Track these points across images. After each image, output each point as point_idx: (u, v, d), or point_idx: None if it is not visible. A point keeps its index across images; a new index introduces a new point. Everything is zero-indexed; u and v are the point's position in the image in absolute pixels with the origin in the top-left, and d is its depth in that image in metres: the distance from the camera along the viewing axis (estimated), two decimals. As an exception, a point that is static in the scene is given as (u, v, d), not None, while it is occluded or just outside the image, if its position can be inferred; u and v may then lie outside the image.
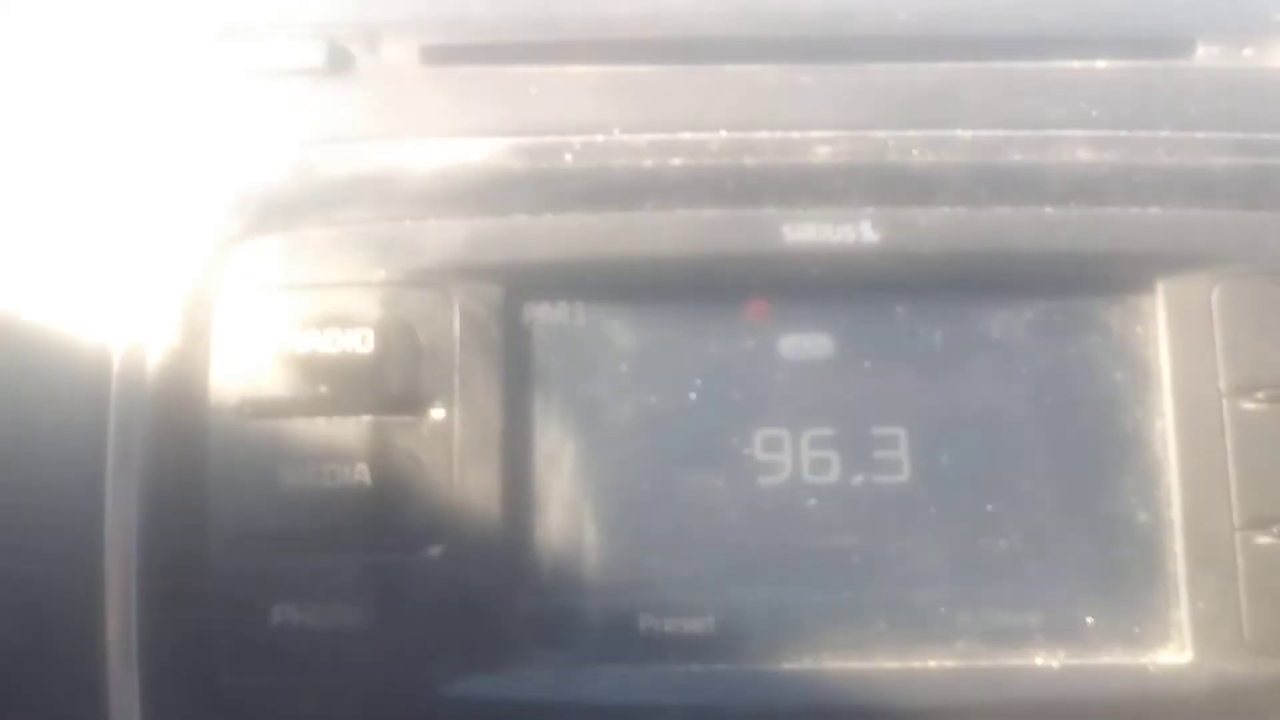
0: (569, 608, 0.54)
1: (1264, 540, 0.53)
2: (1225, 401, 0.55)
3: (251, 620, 0.52)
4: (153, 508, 0.53)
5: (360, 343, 0.54)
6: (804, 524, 0.55)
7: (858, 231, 0.56)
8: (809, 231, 0.56)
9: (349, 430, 0.53)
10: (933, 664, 0.54)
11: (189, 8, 0.60)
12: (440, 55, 0.59)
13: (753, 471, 0.55)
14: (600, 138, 0.57)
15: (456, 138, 0.57)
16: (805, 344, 0.56)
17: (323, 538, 0.53)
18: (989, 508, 0.55)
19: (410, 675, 0.52)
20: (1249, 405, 0.54)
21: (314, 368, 0.54)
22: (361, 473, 0.53)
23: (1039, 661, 0.54)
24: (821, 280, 0.56)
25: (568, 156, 0.57)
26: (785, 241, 0.56)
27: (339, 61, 0.59)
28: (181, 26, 0.60)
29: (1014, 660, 0.54)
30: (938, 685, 0.53)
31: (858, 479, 0.55)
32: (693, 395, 0.56)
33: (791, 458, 0.55)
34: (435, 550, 0.53)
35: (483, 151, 0.57)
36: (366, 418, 0.54)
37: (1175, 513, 0.54)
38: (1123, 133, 0.58)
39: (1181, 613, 0.54)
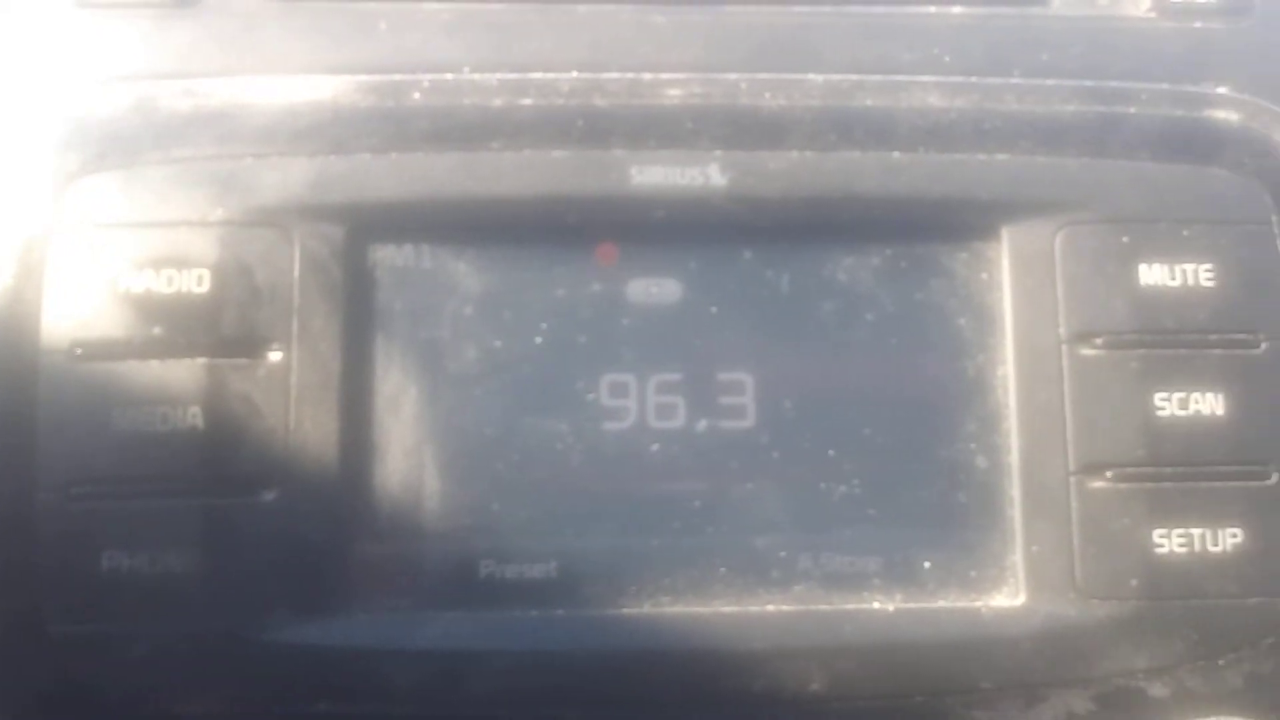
0: (408, 554, 0.54)
1: (1097, 485, 0.54)
2: (1065, 348, 0.55)
3: (81, 567, 0.51)
4: (-21, 452, 0.52)
5: (196, 283, 0.53)
6: (648, 469, 0.55)
7: (706, 175, 0.56)
8: (657, 174, 0.55)
9: (183, 372, 0.52)
10: (770, 608, 0.54)
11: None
12: None
13: (598, 416, 0.55)
14: (449, 76, 0.56)
15: (302, 74, 0.56)
16: (653, 288, 0.56)
17: (154, 482, 0.52)
18: (831, 453, 0.55)
19: (243, 621, 0.52)
20: (1087, 352, 0.55)
21: (149, 308, 0.53)
22: (195, 416, 0.52)
23: (875, 605, 0.55)
24: (669, 224, 0.56)
25: (415, 95, 0.56)
26: (633, 184, 0.55)
27: None
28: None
29: (851, 604, 0.55)
30: (775, 629, 0.54)
31: (702, 424, 0.55)
32: (538, 339, 0.55)
33: (637, 403, 0.55)
34: (270, 495, 0.52)
35: (328, 88, 0.56)
36: (201, 360, 0.53)
37: (1013, 458, 0.55)
38: (974, 79, 0.58)
39: (1016, 557, 0.55)
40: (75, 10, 0.57)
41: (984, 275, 0.56)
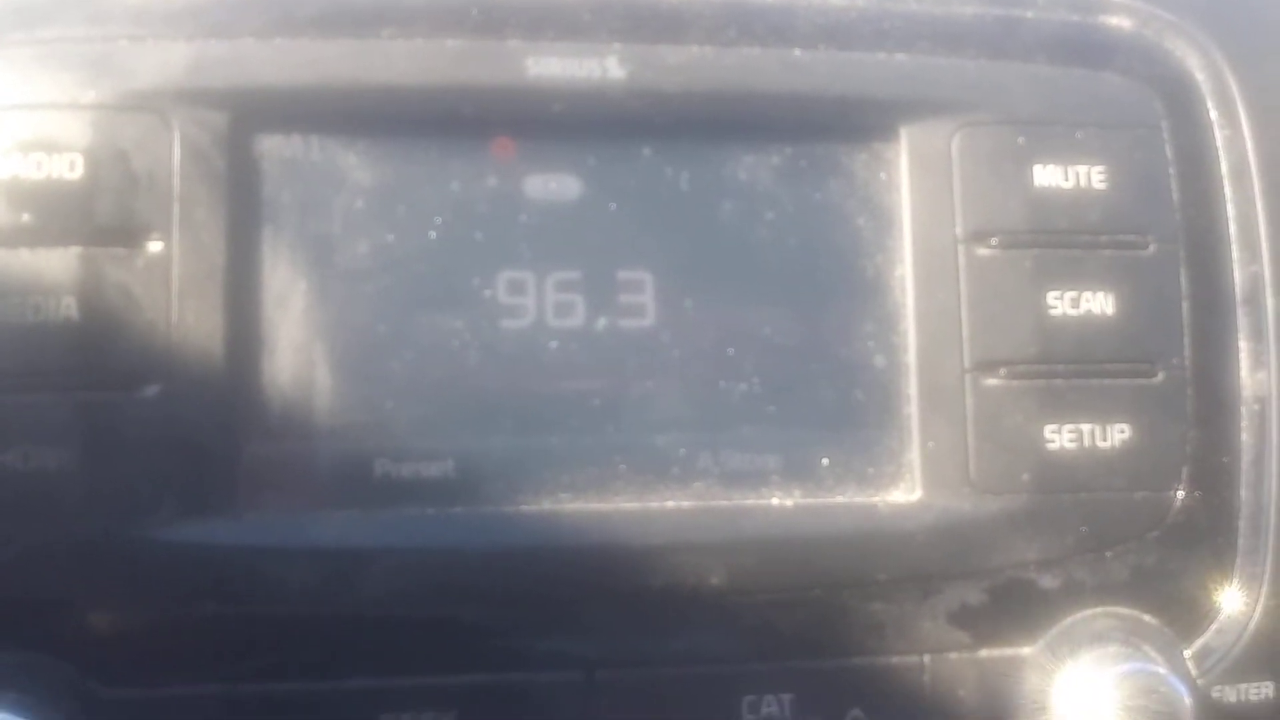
0: (298, 452, 0.53)
1: (991, 382, 0.56)
2: (961, 248, 0.57)
3: None
4: None
5: (68, 168, 0.51)
6: (547, 367, 0.55)
7: (604, 67, 0.55)
8: (554, 65, 0.55)
9: (55, 261, 0.51)
10: (670, 504, 0.55)
11: None
12: None
13: (495, 314, 0.55)
14: None
15: None
16: (550, 184, 0.56)
17: (27, 376, 0.51)
18: (731, 351, 0.56)
19: (126, 520, 0.51)
20: (983, 251, 0.57)
21: (17, 194, 0.51)
22: (69, 307, 0.51)
23: (774, 501, 0.56)
24: (567, 117, 0.55)
25: None
26: (528, 75, 0.55)
27: None
28: None
29: (750, 500, 0.55)
30: (675, 525, 0.54)
31: (602, 322, 0.55)
32: (433, 234, 0.55)
33: (535, 300, 0.55)
34: (151, 390, 0.51)
35: None
36: (75, 248, 0.51)
37: (910, 357, 0.57)
38: None
39: (913, 453, 0.56)
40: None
41: (882, 175, 0.57)
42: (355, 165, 0.54)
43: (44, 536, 0.50)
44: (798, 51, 0.57)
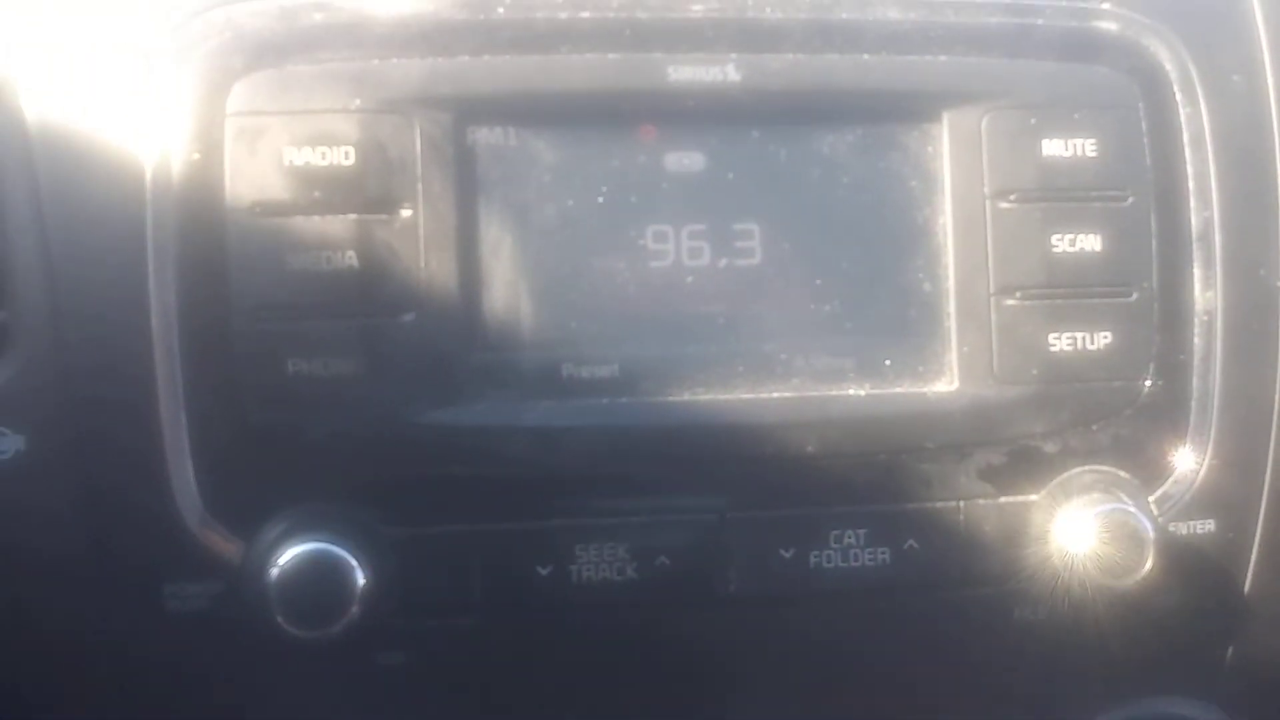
0: (510, 360, 0.70)
1: (1009, 302, 0.72)
2: (988, 203, 0.72)
3: (272, 372, 0.67)
4: (188, 287, 0.67)
5: (344, 157, 0.68)
6: (684, 295, 0.71)
7: (724, 72, 0.71)
8: (687, 72, 0.71)
9: (338, 226, 0.68)
10: (776, 395, 0.71)
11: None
12: None
13: (645, 257, 0.71)
14: None
15: None
16: (684, 159, 0.72)
17: (322, 308, 0.68)
18: (818, 282, 0.72)
19: (393, 410, 0.68)
20: (1004, 205, 0.72)
21: (308, 177, 0.68)
22: (350, 258, 0.68)
23: (851, 391, 0.72)
24: (696, 110, 0.71)
25: (500, 10, 0.70)
26: (669, 79, 0.71)
27: None
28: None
29: (834, 391, 0.72)
30: (780, 409, 0.71)
31: (723, 262, 0.72)
32: (600, 199, 0.71)
33: (674, 246, 0.71)
34: (408, 316, 0.68)
35: (433, 4, 0.70)
36: (352, 216, 0.68)
37: (949, 284, 0.72)
38: None
39: (952, 355, 0.72)
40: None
41: (929, 149, 0.73)
42: (544, 149, 0.70)
43: (339, 421, 0.68)
44: (866, 56, 0.72)
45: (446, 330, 0.69)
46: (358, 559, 0.67)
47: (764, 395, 0.72)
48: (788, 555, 0.72)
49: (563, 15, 0.71)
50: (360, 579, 0.66)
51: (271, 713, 0.73)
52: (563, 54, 0.71)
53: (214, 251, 0.68)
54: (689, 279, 0.72)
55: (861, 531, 0.73)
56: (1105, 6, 0.76)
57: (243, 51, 0.69)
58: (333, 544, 0.67)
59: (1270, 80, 0.77)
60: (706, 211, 0.72)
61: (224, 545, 0.69)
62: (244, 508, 0.69)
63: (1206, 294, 0.75)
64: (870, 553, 0.73)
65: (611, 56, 0.71)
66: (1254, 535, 0.77)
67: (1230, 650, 0.80)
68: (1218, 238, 0.75)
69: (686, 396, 0.71)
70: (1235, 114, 0.76)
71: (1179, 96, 0.76)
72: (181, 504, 0.68)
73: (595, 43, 0.71)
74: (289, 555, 0.66)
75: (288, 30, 0.69)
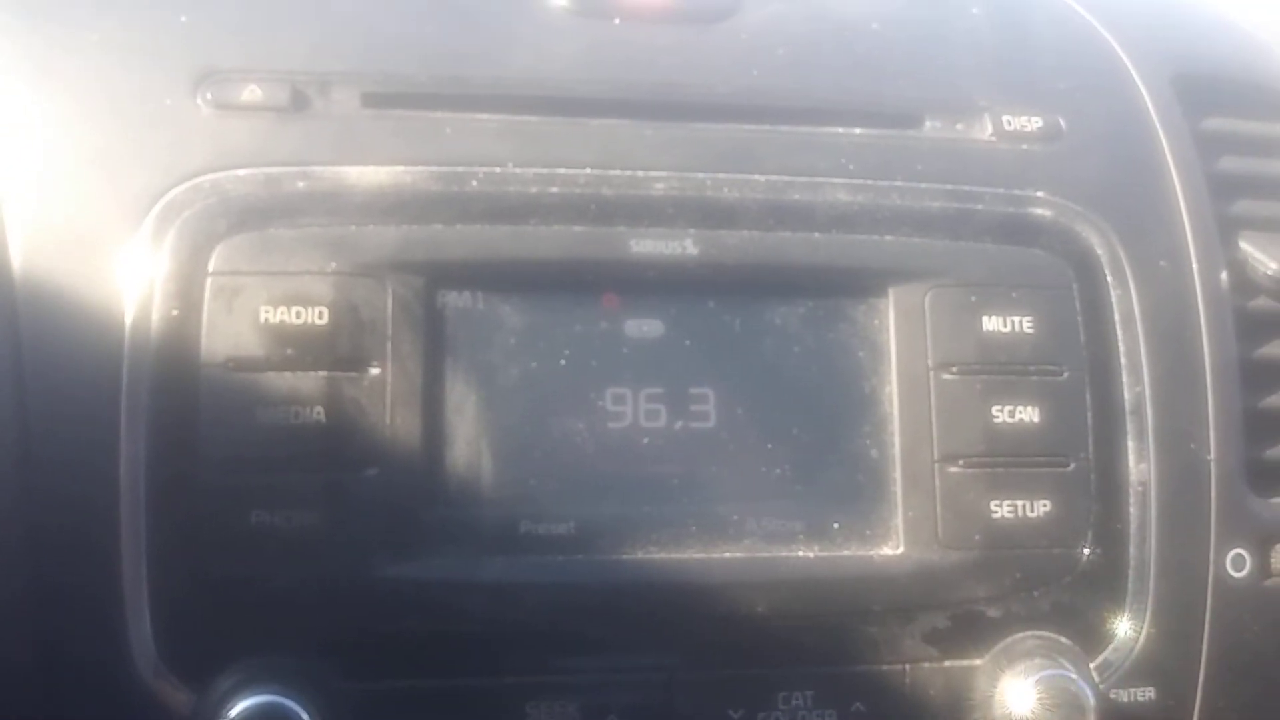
0: (469, 516, 0.72)
1: (953, 470, 0.75)
2: (931, 374, 0.76)
3: (235, 523, 0.68)
4: (158, 437, 0.69)
5: (318, 317, 0.70)
6: (640, 457, 0.74)
7: (683, 246, 0.75)
8: (648, 245, 0.75)
9: (309, 382, 0.70)
10: (728, 555, 0.73)
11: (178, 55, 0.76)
12: (377, 101, 0.76)
13: (604, 418, 0.73)
14: (498, 169, 0.75)
15: (389, 165, 0.74)
16: (644, 327, 0.75)
17: (289, 461, 0.69)
18: (769, 446, 0.75)
19: (354, 564, 0.69)
20: (947, 376, 0.76)
21: (282, 334, 0.70)
22: (319, 413, 0.70)
23: (800, 554, 0.74)
24: (656, 281, 0.75)
25: (474, 183, 0.74)
26: (631, 252, 0.75)
27: (300, 102, 0.75)
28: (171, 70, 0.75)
29: (784, 553, 0.74)
30: (731, 570, 0.73)
31: (679, 424, 0.74)
32: (562, 362, 0.74)
33: (632, 409, 0.74)
34: (373, 471, 0.70)
35: (410, 176, 0.74)
36: (323, 373, 0.70)
37: (895, 451, 0.75)
38: (869, 181, 0.78)
39: (898, 520, 0.75)
40: (215, 111, 0.75)
41: (876, 321, 0.77)
42: (510, 313, 0.73)
43: (301, 575, 0.69)
44: (817, 235, 0.76)
45: (408, 485, 0.71)
46: (309, 712, 0.67)
47: (715, 555, 0.74)
48: (736, 716, 0.73)
49: (533, 189, 0.75)
50: (311, 732, 0.66)
51: None
52: (531, 225, 0.74)
53: (186, 404, 0.70)
54: (645, 440, 0.74)
55: (809, 693, 0.74)
56: (1040, 195, 0.81)
57: (227, 216, 0.72)
58: (284, 696, 0.67)
59: (1194, 264, 0.82)
60: (664, 376, 0.75)
61: (176, 696, 0.69)
62: (199, 659, 0.69)
63: (1140, 465, 0.78)
64: (818, 714, 0.74)
65: (577, 229, 0.75)
66: (1194, 703, 0.79)
67: (1175, 821, 0.81)
68: (1149, 411, 0.79)
69: (640, 555, 0.73)
70: (1162, 295, 0.81)
71: (1110, 278, 0.80)
72: (135, 653, 0.69)
73: (562, 216, 0.75)
74: (239, 708, 0.66)
75: (271, 196, 0.73)
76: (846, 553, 0.75)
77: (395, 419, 0.71)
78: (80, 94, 0.74)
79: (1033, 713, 0.73)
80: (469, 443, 0.73)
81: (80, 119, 0.74)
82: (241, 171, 0.73)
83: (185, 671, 0.69)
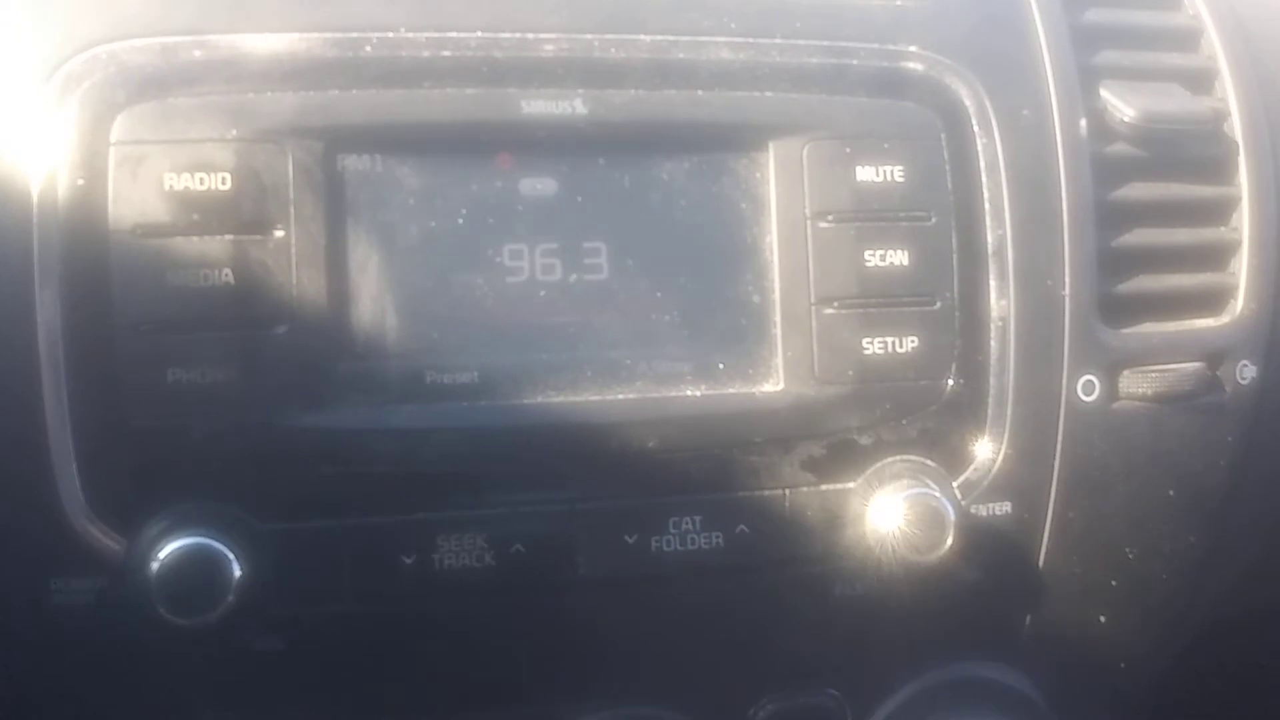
0: (376, 368, 0.76)
1: (828, 312, 0.80)
2: (809, 223, 0.80)
3: (153, 380, 0.72)
4: (73, 303, 0.72)
5: (221, 183, 0.73)
6: (537, 307, 0.78)
7: (573, 106, 0.78)
8: (539, 105, 0.77)
9: (215, 246, 0.73)
10: (621, 396, 0.78)
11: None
12: None
13: (502, 273, 0.77)
14: (390, 34, 0.77)
15: (285, 32, 0.76)
16: (537, 185, 0.78)
17: (201, 322, 0.73)
18: (658, 294, 0.79)
19: (267, 414, 0.74)
20: (823, 225, 0.80)
21: (187, 201, 0.73)
22: (227, 275, 0.73)
23: (688, 393, 0.79)
24: (548, 140, 0.78)
25: (367, 48, 0.76)
26: (523, 112, 0.77)
27: None
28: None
29: (673, 392, 0.79)
30: (624, 410, 0.78)
31: (573, 277, 0.78)
32: (460, 220, 0.77)
33: (529, 263, 0.78)
34: (281, 329, 0.74)
35: (305, 43, 0.75)
36: (228, 236, 0.73)
37: (776, 295, 0.80)
38: (750, 40, 0.81)
39: (778, 359, 0.80)
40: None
41: (757, 174, 0.80)
42: (408, 175, 0.76)
43: (219, 426, 0.73)
44: (700, 92, 0.80)
45: (317, 341, 0.75)
46: (234, 552, 0.72)
47: (610, 397, 0.79)
48: (631, 541, 0.79)
49: (425, 54, 0.77)
50: (236, 570, 0.72)
51: (154, 701, 0.78)
52: (425, 89, 0.77)
53: (98, 270, 0.72)
54: (542, 293, 0.78)
55: (697, 518, 0.80)
56: (912, 49, 0.85)
57: (126, 85, 0.74)
58: (210, 538, 0.72)
59: (1056, 113, 0.87)
60: (558, 232, 0.79)
61: (106, 542, 0.74)
62: (126, 507, 0.73)
63: (1000, 302, 0.84)
64: (705, 537, 0.80)
65: (470, 91, 0.77)
66: (1045, 516, 0.87)
67: (1027, 618, 0.90)
68: (1010, 253, 0.84)
69: (539, 399, 0.78)
70: (1025, 143, 0.86)
71: (976, 129, 0.85)
72: (67, 504, 0.73)
73: (455, 79, 0.77)
74: (169, 549, 0.71)
75: (168, 65, 0.74)
76: (731, 390, 0.80)
77: (301, 279, 0.74)
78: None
79: (899, 528, 0.80)
80: (373, 299, 0.76)
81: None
82: (138, 41, 0.75)
83: (114, 520, 0.74)
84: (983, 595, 0.86)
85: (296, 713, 0.80)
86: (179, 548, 0.71)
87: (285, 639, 0.77)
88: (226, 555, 0.72)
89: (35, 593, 0.73)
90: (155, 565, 0.71)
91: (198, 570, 0.71)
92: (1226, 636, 1.03)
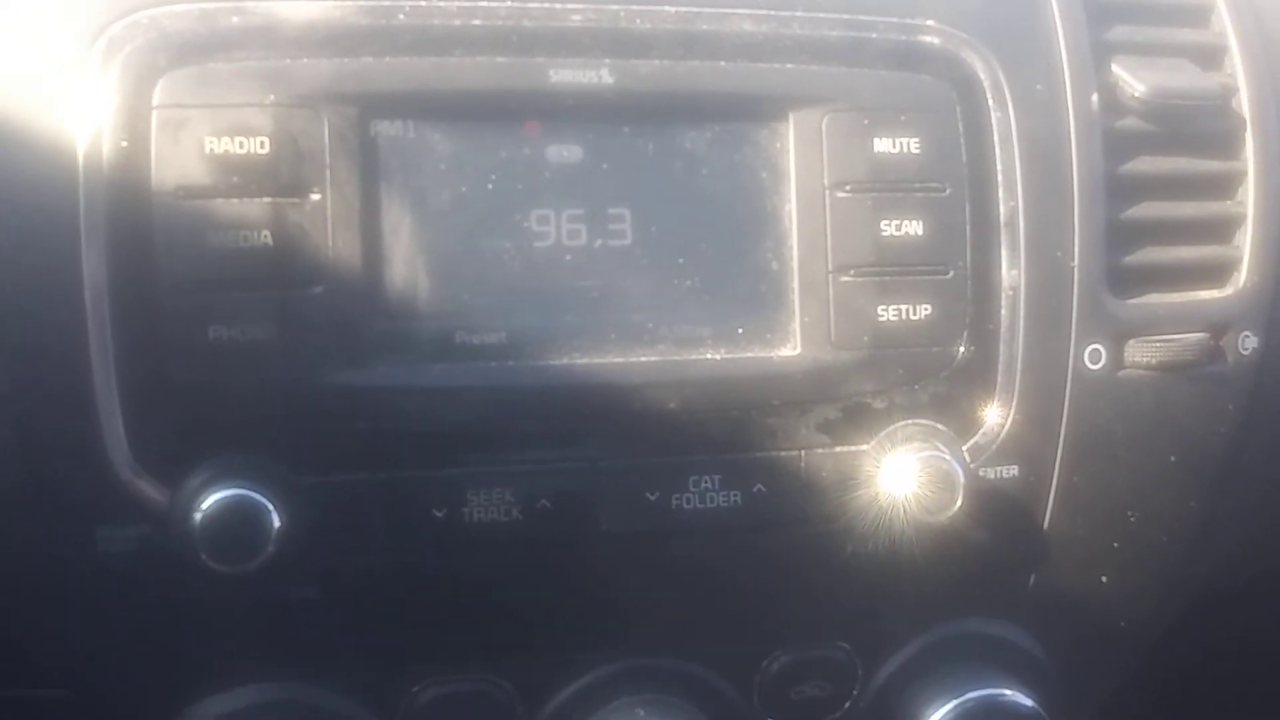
0: (408, 328, 0.78)
1: (845, 279, 0.82)
2: (827, 192, 0.82)
3: (195, 337, 0.75)
4: (118, 262, 0.74)
5: (259, 147, 0.75)
6: (564, 271, 0.80)
7: (599, 75, 0.79)
8: (567, 74, 0.79)
9: (254, 208, 0.75)
10: (644, 359, 0.80)
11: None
12: None
13: (530, 237, 0.79)
14: (423, 3, 0.78)
15: (321, 0, 0.78)
16: (564, 152, 0.80)
17: (241, 282, 0.75)
18: (680, 260, 0.82)
19: (305, 372, 0.76)
20: (841, 195, 0.82)
21: (227, 164, 0.75)
22: (265, 236, 0.75)
23: (708, 356, 0.81)
24: (575, 108, 0.80)
25: (400, 16, 0.78)
26: (551, 81, 0.79)
27: None
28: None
29: (693, 355, 0.81)
30: (646, 371, 0.80)
31: (599, 242, 0.80)
32: (489, 186, 0.79)
33: (555, 228, 0.80)
34: (317, 289, 0.76)
35: (339, 10, 0.77)
36: (266, 199, 0.75)
37: (794, 263, 0.82)
38: (772, 12, 0.83)
39: (795, 324, 0.82)
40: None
41: (777, 145, 0.82)
42: (439, 141, 0.78)
43: (258, 381, 0.76)
44: (723, 63, 0.81)
45: (351, 301, 0.77)
46: (273, 503, 0.74)
47: (632, 359, 0.81)
48: (653, 498, 0.82)
49: (456, 22, 0.79)
50: (276, 521, 0.74)
51: (194, 648, 0.82)
52: (456, 56, 0.79)
53: (141, 230, 0.75)
54: (568, 257, 0.80)
55: (717, 477, 0.83)
56: (930, 23, 0.86)
57: (167, 50, 0.76)
58: (250, 490, 0.74)
59: (1068, 89, 0.89)
60: (584, 198, 0.80)
61: (151, 493, 0.76)
62: (169, 459, 0.76)
63: (1011, 272, 0.86)
64: (724, 495, 0.83)
65: (499, 59, 0.79)
66: (1051, 479, 0.89)
67: (1032, 578, 0.92)
68: (1021, 224, 0.86)
69: (564, 360, 0.80)
70: (1038, 117, 0.87)
71: (990, 102, 0.86)
72: (113, 455, 0.76)
73: (485, 47, 0.79)
74: (211, 500, 0.74)
75: (208, 31, 0.76)
76: (749, 354, 0.82)
77: (336, 241, 0.77)
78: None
79: (911, 489, 0.82)
80: (406, 261, 0.79)
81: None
82: (178, 7, 0.76)
83: (159, 472, 0.76)
84: (989, 555, 0.89)
85: (329, 659, 0.83)
86: (221, 498, 0.74)
87: (320, 589, 0.80)
88: (266, 506, 0.74)
89: (82, 542, 0.76)
90: (198, 515, 0.73)
91: (239, 520, 0.74)
92: (1226, 604, 1.06)
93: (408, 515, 0.80)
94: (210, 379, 0.76)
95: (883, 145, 0.84)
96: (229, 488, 0.74)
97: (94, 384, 0.75)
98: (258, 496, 0.75)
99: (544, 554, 0.83)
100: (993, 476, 0.88)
